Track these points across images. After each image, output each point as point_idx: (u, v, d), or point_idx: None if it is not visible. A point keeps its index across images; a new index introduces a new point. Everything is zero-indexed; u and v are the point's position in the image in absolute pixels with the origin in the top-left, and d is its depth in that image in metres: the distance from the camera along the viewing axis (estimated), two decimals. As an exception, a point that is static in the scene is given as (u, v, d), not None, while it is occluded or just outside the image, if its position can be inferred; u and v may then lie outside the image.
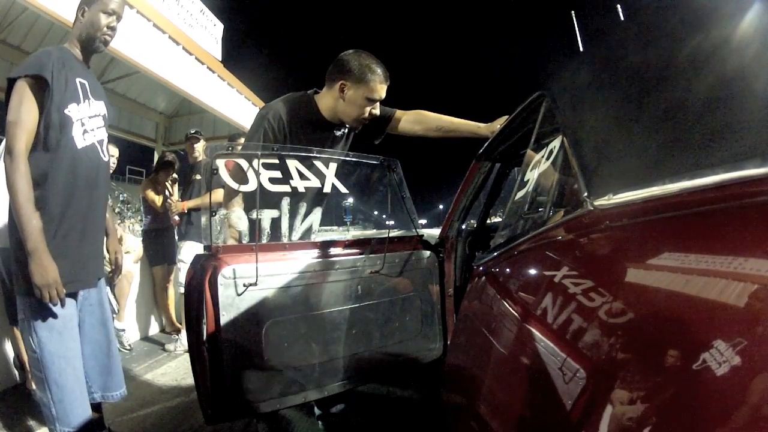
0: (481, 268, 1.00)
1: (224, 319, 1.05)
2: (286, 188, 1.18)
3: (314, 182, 1.22)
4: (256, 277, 1.07)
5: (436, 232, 2.27)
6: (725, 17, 0.57)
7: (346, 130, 1.49)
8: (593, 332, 0.44)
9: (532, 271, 0.72)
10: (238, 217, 1.16)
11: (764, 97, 0.45)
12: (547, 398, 0.47)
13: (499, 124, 1.49)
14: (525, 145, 1.12)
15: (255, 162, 1.12)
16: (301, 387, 1.16)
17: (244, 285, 1.07)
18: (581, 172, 0.64)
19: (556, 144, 0.82)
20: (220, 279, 1.05)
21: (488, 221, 2.05)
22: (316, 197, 1.29)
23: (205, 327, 1.05)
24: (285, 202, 1.19)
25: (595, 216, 0.56)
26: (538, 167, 0.90)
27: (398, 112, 1.58)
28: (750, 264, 0.31)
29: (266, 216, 1.17)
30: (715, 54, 0.54)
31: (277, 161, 1.17)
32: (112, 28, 1.33)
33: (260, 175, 1.12)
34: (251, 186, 1.12)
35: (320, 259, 1.22)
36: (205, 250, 1.13)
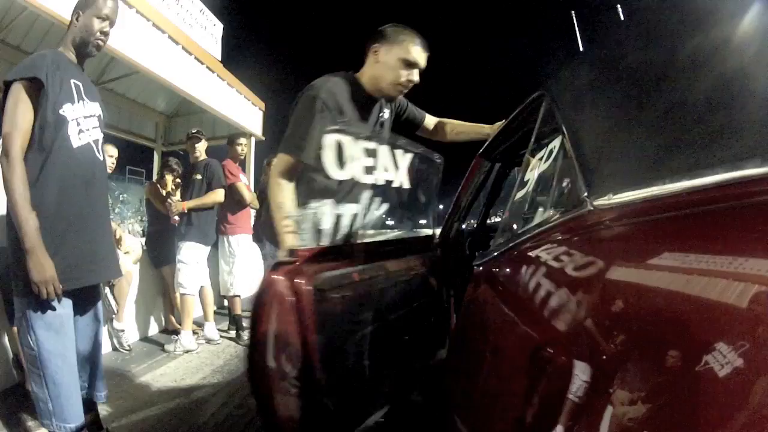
0: (481, 268, 1.00)
1: (316, 335, 0.87)
2: (369, 179, 1.02)
3: (390, 173, 1.10)
4: (349, 285, 0.93)
5: (436, 231, 2.27)
6: (725, 17, 0.57)
7: (389, 114, 1.44)
8: (593, 332, 0.44)
9: (531, 271, 0.72)
10: (323, 213, 0.98)
11: (764, 97, 0.45)
12: (548, 398, 0.47)
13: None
14: (525, 145, 1.12)
15: (353, 146, 0.94)
16: (387, 399, 1.07)
17: (336, 294, 0.92)
18: (581, 172, 0.64)
19: (556, 144, 0.82)
20: (309, 290, 0.86)
21: (488, 221, 2.06)
22: (387, 191, 1.17)
23: (287, 346, 0.87)
24: (366, 195, 1.06)
25: (595, 216, 0.56)
26: (538, 167, 0.90)
27: (427, 118, 1.60)
28: (750, 264, 0.31)
29: (347, 212, 1.01)
30: (716, 54, 0.54)
31: (372, 147, 1.02)
32: (105, 33, 1.36)
33: (357, 162, 0.95)
34: (345, 175, 0.94)
35: (388, 262, 1.10)
36: (288, 255, 0.93)
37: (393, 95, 1.37)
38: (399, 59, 1.29)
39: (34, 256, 1.16)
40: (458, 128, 1.63)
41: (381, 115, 1.40)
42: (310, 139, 1.15)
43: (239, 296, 3.22)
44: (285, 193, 1.18)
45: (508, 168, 1.87)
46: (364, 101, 1.33)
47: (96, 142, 1.38)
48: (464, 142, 1.68)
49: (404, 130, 1.52)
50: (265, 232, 1.36)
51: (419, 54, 1.31)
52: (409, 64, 1.30)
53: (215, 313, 3.22)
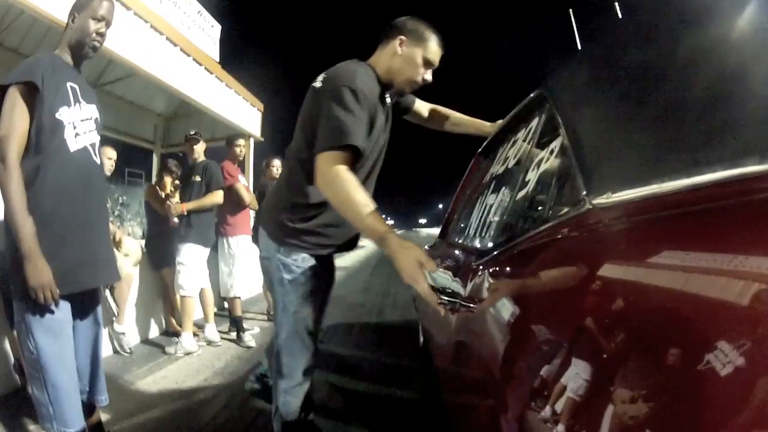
0: (481, 267, 1.00)
1: None
2: None
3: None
4: None
5: (436, 231, 2.27)
6: (724, 15, 0.57)
7: (389, 101, 1.37)
8: (592, 331, 0.44)
9: (531, 270, 0.72)
10: None
11: (764, 95, 0.45)
12: (547, 398, 0.47)
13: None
14: (524, 143, 1.12)
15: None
16: None
17: None
18: (580, 171, 0.63)
19: (556, 143, 0.81)
20: None
21: (488, 220, 2.05)
22: None
23: None
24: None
25: (594, 215, 0.56)
26: (538, 166, 0.90)
27: (417, 103, 1.56)
28: (750, 262, 0.31)
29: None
30: (715, 52, 0.54)
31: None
32: (101, 34, 1.35)
33: None
34: None
35: None
36: None
37: (406, 90, 1.34)
38: (422, 57, 1.26)
39: (30, 261, 1.16)
40: (457, 120, 1.58)
41: (387, 102, 1.35)
42: (361, 132, 1.12)
43: (239, 298, 3.22)
44: (354, 185, 1.04)
45: (507, 167, 1.87)
46: (380, 90, 1.28)
47: (93, 145, 1.37)
48: (464, 141, 1.66)
49: (394, 115, 1.45)
50: (272, 229, 1.29)
51: (439, 54, 1.29)
52: (428, 64, 1.28)
53: (215, 314, 3.22)
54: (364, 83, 1.17)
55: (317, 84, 1.23)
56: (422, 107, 1.57)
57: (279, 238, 1.25)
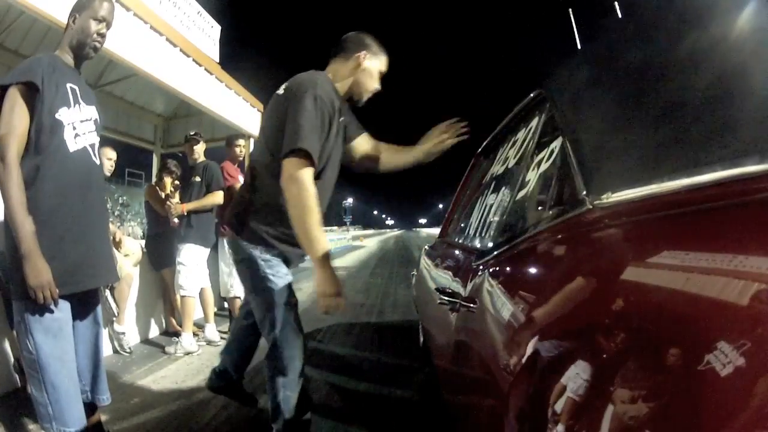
0: (481, 267, 1.00)
1: None
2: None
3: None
4: None
5: (436, 231, 2.27)
6: (724, 14, 0.57)
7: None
8: (592, 331, 0.44)
9: (532, 270, 0.72)
10: None
11: (763, 95, 0.45)
12: (547, 398, 0.47)
13: (429, 142, 1.45)
14: (524, 144, 1.12)
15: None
16: None
17: None
18: (580, 171, 0.63)
19: (555, 143, 0.82)
20: None
21: (488, 220, 2.05)
22: None
23: None
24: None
25: (594, 214, 0.56)
26: (538, 166, 0.90)
27: (364, 138, 1.51)
28: (750, 262, 0.31)
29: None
30: (714, 51, 0.54)
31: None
32: (102, 35, 1.36)
33: None
34: None
35: None
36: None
37: (363, 101, 1.44)
38: (378, 71, 1.40)
39: (30, 261, 1.16)
40: (394, 153, 1.52)
41: (343, 116, 1.39)
42: (318, 136, 1.21)
43: (239, 298, 3.21)
44: (314, 198, 1.17)
45: (507, 167, 1.87)
46: (338, 101, 1.34)
47: (92, 146, 1.37)
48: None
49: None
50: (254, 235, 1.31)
51: (387, 65, 1.42)
52: (380, 75, 1.42)
53: (215, 314, 3.22)
54: (324, 91, 1.27)
55: (280, 91, 1.33)
56: (367, 145, 1.52)
57: (253, 238, 1.31)
